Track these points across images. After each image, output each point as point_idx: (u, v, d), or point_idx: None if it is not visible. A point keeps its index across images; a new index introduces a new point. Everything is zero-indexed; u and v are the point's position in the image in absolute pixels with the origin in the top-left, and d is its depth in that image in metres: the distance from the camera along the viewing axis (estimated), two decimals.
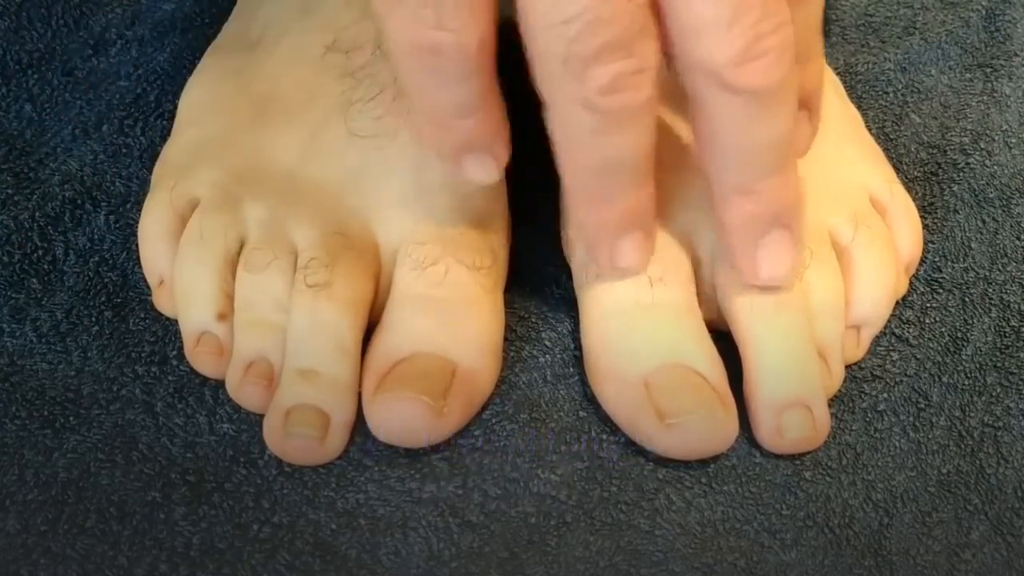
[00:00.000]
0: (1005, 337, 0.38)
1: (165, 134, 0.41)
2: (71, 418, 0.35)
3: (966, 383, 0.37)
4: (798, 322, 0.35)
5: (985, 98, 0.46)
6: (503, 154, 0.33)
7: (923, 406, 0.36)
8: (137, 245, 0.38)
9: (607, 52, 0.29)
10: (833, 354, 0.36)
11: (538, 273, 0.39)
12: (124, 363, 0.36)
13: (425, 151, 0.36)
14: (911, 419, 0.36)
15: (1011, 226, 0.41)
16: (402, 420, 0.34)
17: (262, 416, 0.35)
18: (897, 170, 0.41)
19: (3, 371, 0.36)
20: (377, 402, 0.34)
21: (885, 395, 0.37)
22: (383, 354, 0.35)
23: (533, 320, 0.38)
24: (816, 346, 0.35)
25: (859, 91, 0.46)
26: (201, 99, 0.41)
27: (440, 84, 0.31)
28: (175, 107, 0.41)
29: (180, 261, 0.36)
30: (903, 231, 0.38)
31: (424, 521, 0.33)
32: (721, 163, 0.32)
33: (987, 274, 0.40)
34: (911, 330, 0.38)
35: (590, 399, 0.36)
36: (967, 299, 0.39)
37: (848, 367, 0.37)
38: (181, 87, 0.41)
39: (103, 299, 0.38)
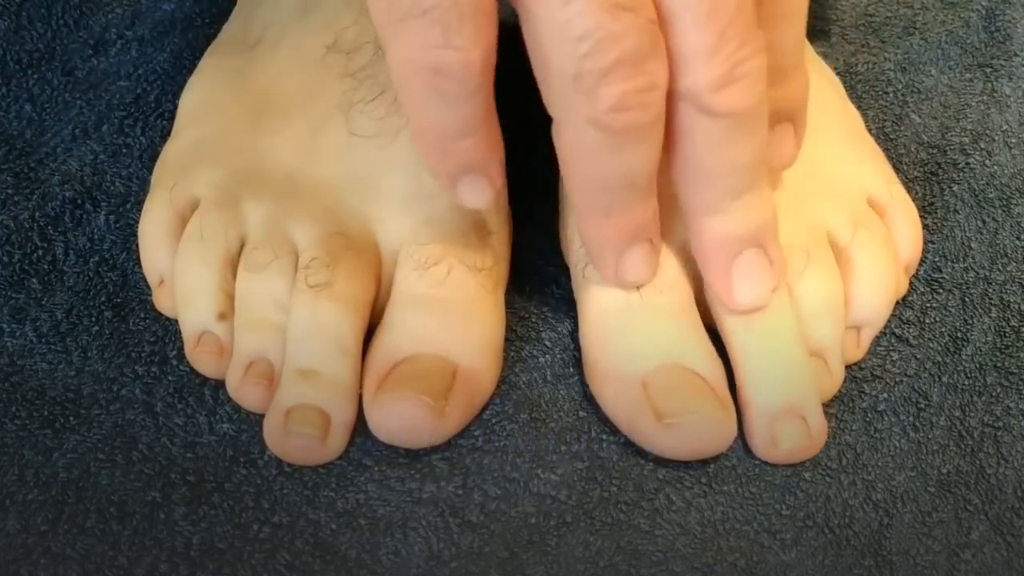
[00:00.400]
0: (1005, 337, 0.38)
1: (165, 134, 0.41)
2: (71, 418, 0.35)
3: (966, 383, 0.37)
4: (785, 327, 0.35)
5: (985, 98, 0.46)
6: (498, 176, 0.33)
7: (923, 406, 0.36)
8: (137, 245, 0.38)
9: (619, 69, 0.29)
10: (833, 355, 0.36)
11: (538, 273, 0.39)
12: (124, 363, 0.36)
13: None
14: (911, 419, 0.36)
15: (1011, 226, 0.41)
16: (403, 420, 0.34)
17: (262, 416, 0.35)
18: (897, 170, 0.41)
19: (3, 371, 0.36)
20: (378, 402, 0.34)
21: (885, 395, 0.37)
22: (384, 354, 0.35)
23: (533, 320, 0.38)
24: (815, 347, 0.35)
25: (859, 91, 0.46)
26: (201, 99, 0.41)
27: (443, 104, 0.30)
28: (175, 107, 0.41)
29: (180, 261, 0.36)
30: (903, 231, 0.38)
31: (424, 521, 0.33)
32: (695, 183, 0.33)
33: (987, 274, 0.40)
34: (911, 330, 0.38)
35: (590, 399, 0.36)
36: (967, 299, 0.39)
37: (848, 367, 0.37)
38: (181, 87, 0.41)
39: (103, 299, 0.38)
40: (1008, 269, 0.40)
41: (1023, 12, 0.49)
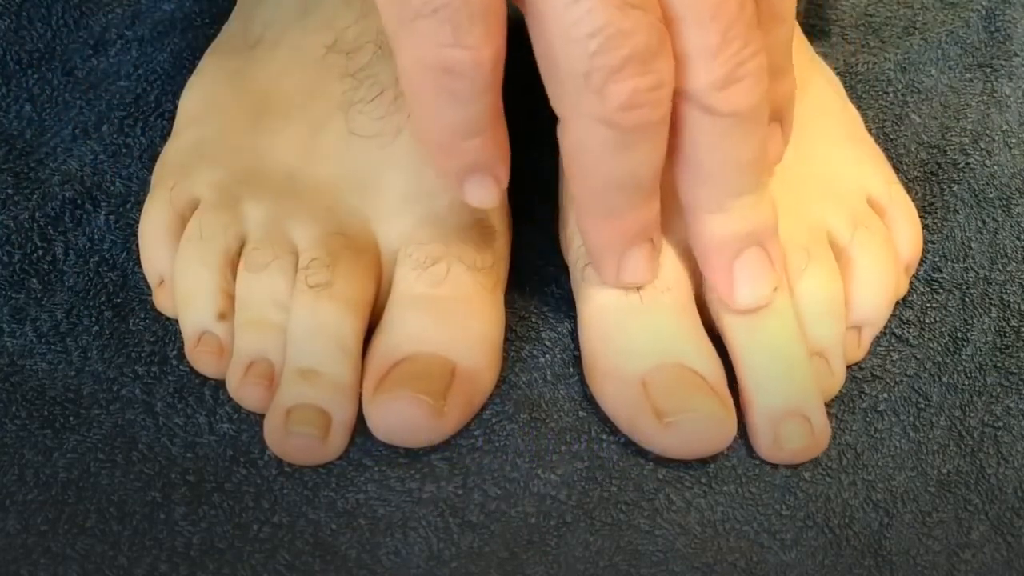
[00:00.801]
0: (1005, 337, 0.38)
1: (165, 134, 0.41)
2: (71, 418, 0.35)
3: (966, 383, 0.37)
4: (786, 326, 0.35)
5: (985, 98, 0.46)
6: (504, 176, 0.33)
7: (923, 406, 0.36)
8: (137, 245, 0.38)
9: (629, 66, 0.29)
10: (834, 354, 0.36)
11: (538, 273, 0.39)
12: (124, 363, 0.36)
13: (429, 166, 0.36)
14: (911, 419, 0.36)
15: (1011, 226, 0.41)
16: (402, 420, 0.34)
17: (262, 416, 0.35)
18: (897, 170, 0.41)
19: (3, 371, 0.36)
20: (377, 402, 0.34)
21: (885, 395, 0.37)
22: (383, 354, 0.35)
23: (533, 320, 0.38)
24: (817, 347, 0.35)
25: (859, 91, 0.46)
26: (201, 99, 0.41)
27: (453, 103, 0.30)
28: (175, 107, 0.41)
29: (180, 261, 0.36)
30: (902, 231, 0.38)
31: (424, 521, 0.33)
32: (696, 182, 0.33)
33: (987, 274, 0.40)
34: (911, 330, 0.38)
35: (590, 399, 0.36)
36: (967, 299, 0.39)
37: (848, 367, 0.37)
38: (181, 87, 0.41)
39: (103, 299, 0.38)
40: (1008, 269, 0.40)
41: (1023, 12, 0.49)
